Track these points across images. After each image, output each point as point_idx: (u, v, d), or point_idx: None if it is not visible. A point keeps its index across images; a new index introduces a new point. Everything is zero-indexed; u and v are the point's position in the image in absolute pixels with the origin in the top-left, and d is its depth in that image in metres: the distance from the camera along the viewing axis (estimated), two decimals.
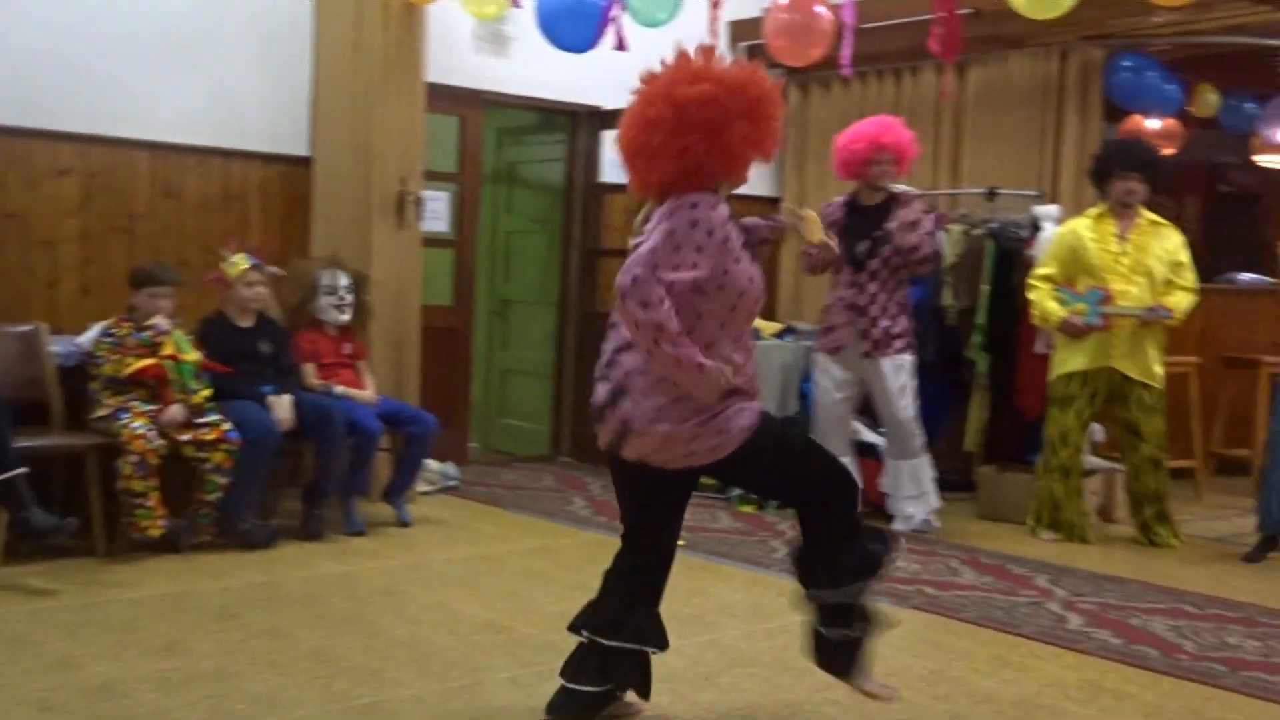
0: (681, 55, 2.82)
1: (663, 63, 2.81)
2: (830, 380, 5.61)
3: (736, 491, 6.03)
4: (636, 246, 2.82)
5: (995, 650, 3.85)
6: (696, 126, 2.74)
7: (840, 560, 2.96)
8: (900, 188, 5.68)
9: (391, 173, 5.73)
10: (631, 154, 2.87)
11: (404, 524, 5.31)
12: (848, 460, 5.71)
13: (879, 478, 5.71)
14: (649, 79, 2.82)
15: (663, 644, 3.10)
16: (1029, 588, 4.63)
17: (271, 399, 4.92)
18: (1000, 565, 4.97)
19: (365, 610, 4.05)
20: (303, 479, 5.21)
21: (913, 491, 5.57)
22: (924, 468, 5.58)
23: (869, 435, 5.91)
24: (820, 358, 5.66)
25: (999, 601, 4.41)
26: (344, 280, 5.43)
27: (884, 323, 5.43)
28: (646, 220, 2.88)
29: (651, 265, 2.72)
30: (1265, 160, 8.15)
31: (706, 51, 2.81)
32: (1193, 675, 3.63)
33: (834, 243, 5.28)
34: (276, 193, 5.98)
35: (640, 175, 2.87)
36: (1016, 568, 4.93)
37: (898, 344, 5.44)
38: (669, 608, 4.21)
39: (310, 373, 5.28)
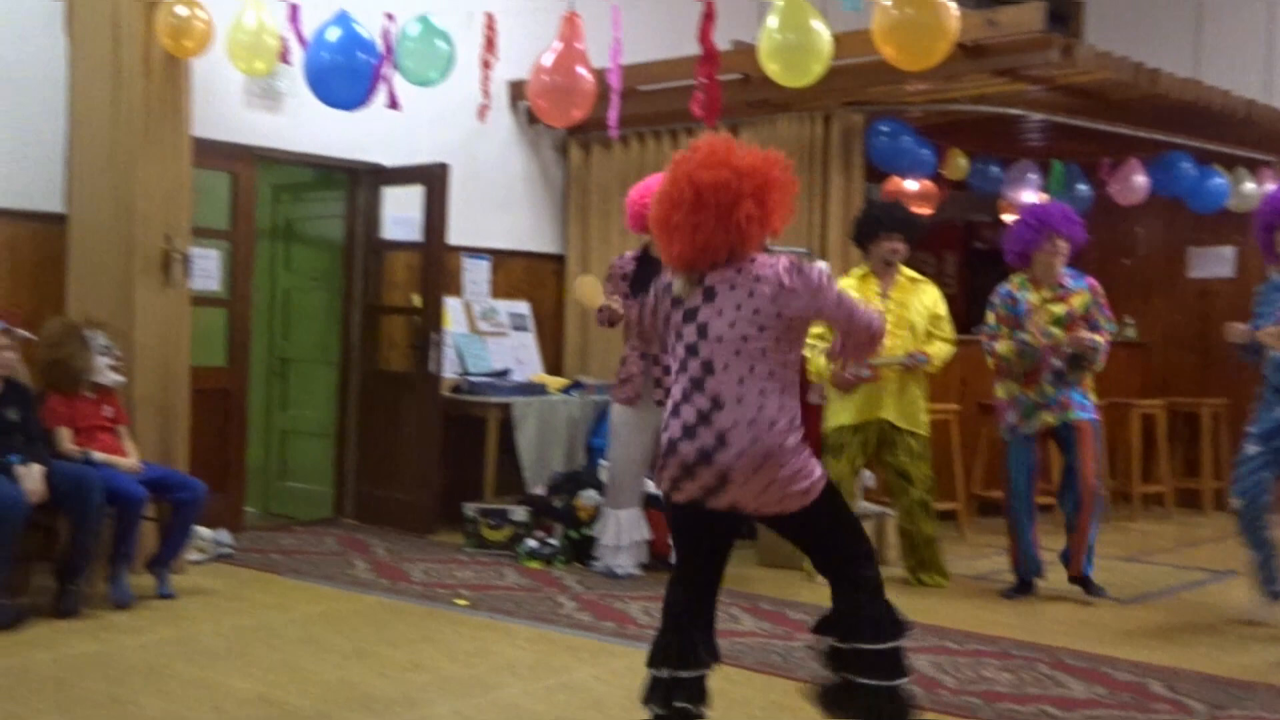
0: (707, 140, 3.18)
1: (691, 146, 3.17)
2: (629, 430, 5.68)
3: (527, 546, 6.01)
4: (691, 310, 3.17)
5: (772, 696, 3.94)
6: (709, 207, 3.07)
7: (882, 613, 3.23)
8: None
9: (155, 230, 5.51)
10: (658, 228, 3.23)
11: (166, 596, 5.04)
12: (636, 511, 5.78)
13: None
14: (678, 161, 3.16)
15: (717, 656, 3.28)
16: (806, 633, 4.76)
17: (19, 469, 4.62)
18: (779, 611, 5.10)
19: (120, 691, 3.82)
20: (56, 553, 4.90)
21: (629, 540, 5.68)
22: (638, 517, 5.72)
23: (652, 487, 5.99)
24: (617, 409, 5.73)
25: (777, 647, 4.52)
26: (105, 340, 5.18)
27: None
28: (697, 285, 3.19)
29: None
30: (1012, 219, 8.75)
31: (727, 139, 3.18)
32: (953, 709, 3.80)
33: (615, 303, 5.39)
34: (26, 251, 5.66)
35: (665, 247, 3.22)
36: (794, 613, 5.07)
37: None
38: (450, 668, 4.16)
39: (65, 438, 4.99)
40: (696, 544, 3.25)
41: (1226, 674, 4.28)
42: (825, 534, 3.25)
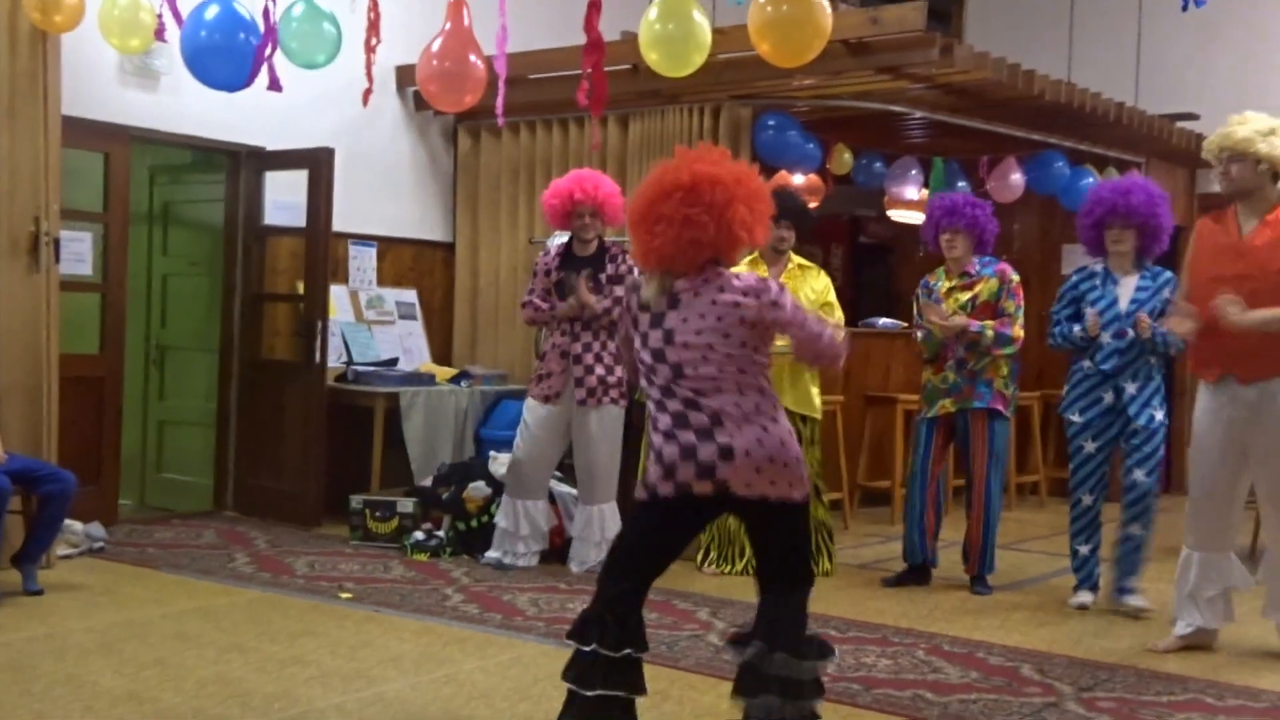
0: (703, 146, 3.31)
1: (683, 149, 3.24)
2: (544, 427, 5.65)
3: (414, 539, 5.94)
4: (658, 314, 3.17)
5: (657, 685, 3.94)
6: (704, 199, 3.10)
7: (804, 635, 3.26)
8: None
9: (22, 211, 5.30)
10: (639, 221, 3.18)
11: (32, 592, 4.86)
12: (542, 502, 5.76)
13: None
14: (677, 154, 3.21)
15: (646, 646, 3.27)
16: (692, 621, 4.81)
17: None
18: (666, 601, 5.12)
19: None
20: None
21: (598, 537, 5.68)
22: (613, 512, 5.71)
23: (555, 484, 5.98)
24: (533, 403, 5.70)
25: (664, 636, 4.55)
26: None
27: (599, 371, 5.57)
28: (665, 293, 3.17)
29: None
30: (896, 215, 8.94)
31: (721, 150, 3.27)
32: (832, 696, 3.84)
33: (598, 305, 5.45)
34: None
35: (643, 242, 3.17)
36: (681, 602, 5.10)
37: (613, 393, 5.60)
38: (331, 663, 4.09)
39: None
40: (663, 537, 3.25)
41: (1093, 657, 4.44)
42: (788, 539, 3.27)
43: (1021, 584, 5.71)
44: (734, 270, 3.22)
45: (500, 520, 5.79)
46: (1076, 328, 5.16)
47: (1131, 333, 5.06)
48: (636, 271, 3.31)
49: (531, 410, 5.72)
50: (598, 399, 5.58)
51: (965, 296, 5.49)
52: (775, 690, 3.17)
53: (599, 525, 5.69)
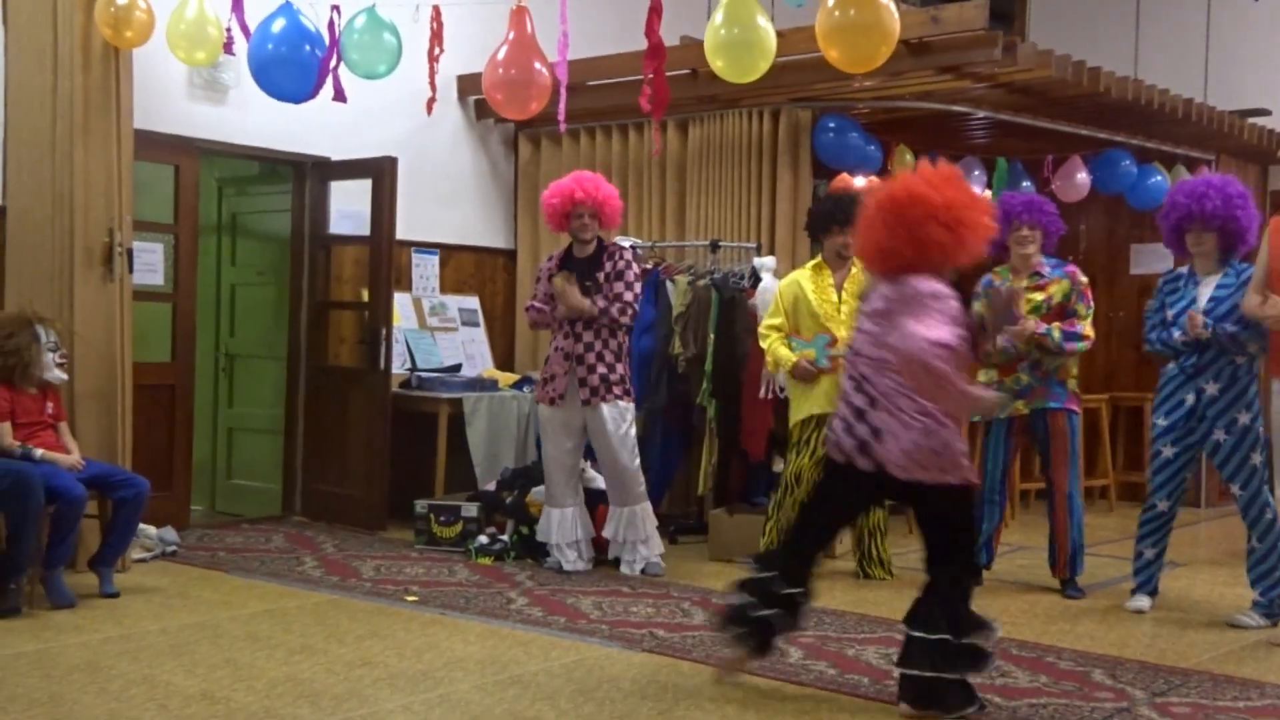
0: (924, 165, 3.73)
1: (924, 164, 3.74)
2: (555, 430, 5.67)
3: (478, 542, 5.99)
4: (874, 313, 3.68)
5: (722, 688, 3.96)
6: (902, 215, 3.55)
7: (966, 612, 3.67)
8: (625, 241, 5.86)
9: (96, 223, 5.43)
10: (862, 219, 3.77)
11: (109, 595, 4.97)
12: (573, 509, 5.77)
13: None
14: (909, 175, 3.69)
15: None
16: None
17: None
18: (729, 605, 5.11)
19: (62, 689, 3.76)
20: None
21: (635, 537, 5.68)
22: (646, 513, 5.71)
23: (600, 482, 5.99)
24: (542, 409, 5.73)
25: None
26: (53, 335, 5.11)
27: (600, 369, 5.57)
28: (870, 286, 3.78)
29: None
30: None
31: (951, 170, 3.67)
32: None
33: (590, 306, 5.43)
34: None
35: (857, 238, 3.87)
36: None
37: (616, 390, 5.59)
38: (398, 664, 4.13)
39: (5, 434, 4.91)
40: (837, 502, 3.90)
41: (1166, 661, 4.36)
42: (949, 523, 3.69)
43: (1092, 588, 5.61)
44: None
45: (542, 526, 5.81)
46: (1176, 332, 4.99)
47: (1181, 333, 4.93)
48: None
49: (542, 415, 5.74)
50: (600, 396, 5.57)
51: (1039, 298, 5.40)
52: (934, 661, 3.58)
53: (630, 525, 5.68)
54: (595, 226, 5.67)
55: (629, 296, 5.60)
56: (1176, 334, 4.97)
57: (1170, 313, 5.03)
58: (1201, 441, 4.99)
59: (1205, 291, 4.98)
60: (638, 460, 5.71)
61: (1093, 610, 5.18)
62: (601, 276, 5.59)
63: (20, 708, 3.58)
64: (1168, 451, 5.06)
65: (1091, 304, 5.46)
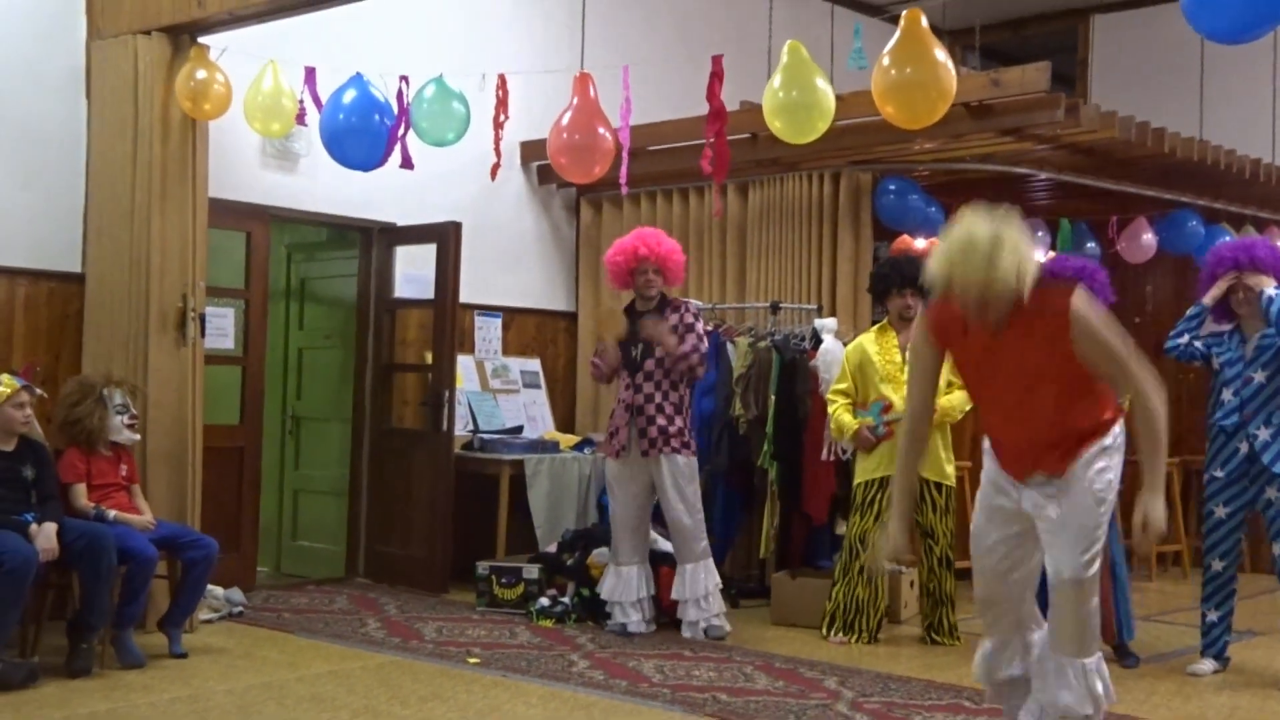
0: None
1: None
2: (620, 484, 5.68)
3: (540, 604, 5.98)
4: None
5: None
6: None
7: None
8: (692, 301, 5.92)
9: (171, 288, 5.57)
10: None
11: (177, 655, 5.03)
12: (637, 567, 5.75)
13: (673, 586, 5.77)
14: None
15: None
16: (819, 690, 4.73)
17: (33, 527, 4.64)
18: (792, 669, 5.06)
19: None
20: (69, 611, 4.89)
21: (696, 593, 5.65)
22: (708, 571, 5.67)
23: (664, 544, 5.97)
24: (609, 464, 5.75)
25: (791, 705, 4.48)
26: (127, 398, 5.23)
27: (660, 421, 5.59)
28: None
29: None
30: None
31: None
32: None
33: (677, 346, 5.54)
34: (43, 310, 5.73)
35: None
36: (808, 671, 5.03)
37: (675, 443, 5.60)
38: None
39: (80, 495, 5.01)
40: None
41: None
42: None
43: (1166, 656, 5.47)
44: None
45: (605, 585, 5.78)
46: (1227, 395, 4.96)
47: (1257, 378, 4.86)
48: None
49: (608, 470, 5.77)
50: (658, 449, 5.57)
51: None
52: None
53: (697, 583, 5.64)
54: (659, 282, 5.72)
55: (704, 348, 5.65)
56: (1228, 397, 4.92)
57: (1217, 362, 4.97)
58: (1255, 499, 4.91)
59: (1251, 345, 4.92)
60: (700, 515, 5.68)
61: (1168, 679, 5.05)
62: (665, 330, 5.62)
63: None
64: (1220, 512, 5.02)
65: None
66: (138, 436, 5.28)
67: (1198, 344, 5.07)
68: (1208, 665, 5.07)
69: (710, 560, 5.71)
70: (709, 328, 6.69)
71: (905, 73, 4.72)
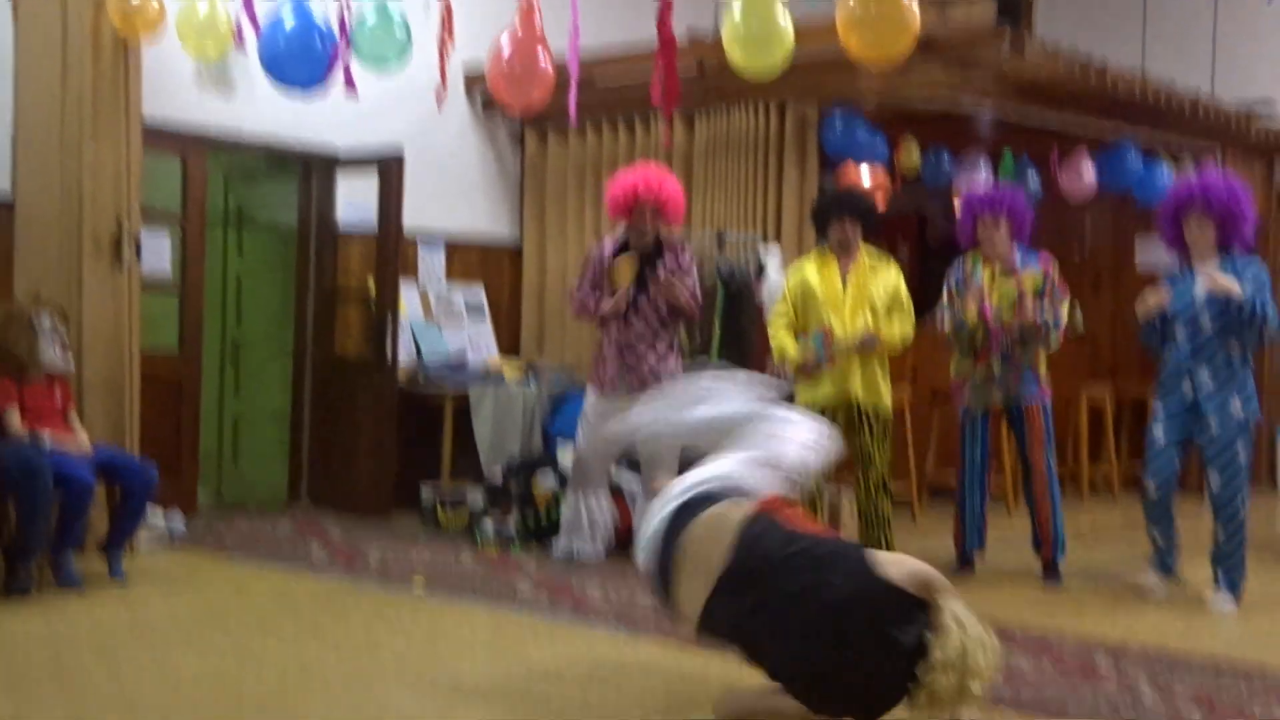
0: None
1: None
2: (598, 417, 5.69)
3: (484, 530, 6.01)
4: None
5: (727, 669, 3.98)
6: None
7: None
8: (676, 235, 5.90)
9: (104, 212, 5.46)
10: None
11: (117, 578, 5.01)
12: (603, 496, 5.80)
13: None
14: None
15: None
16: None
17: None
18: None
19: (72, 670, 3.79)
20: (5, 534, 4.84)
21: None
22: None
23: (623, 480, 6.01)
24: (590, 395, 5.76)
25: None
26: (51, 322, 5.13)
27: (651, 360, 5.60)
28: None
29: None
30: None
31: None
32: None
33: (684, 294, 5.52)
34: None
35: None
36: None
37: (665, 383, 5.59)
38: (405, 649, 4.16)
39: (14, 420, 4.94)
40: None
41: (1170, 648, 4.38)
42: None
43: (1095, 576, 5.63)
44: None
45: (565, 512, 5.84)
46: (1181, 333, 5.07)
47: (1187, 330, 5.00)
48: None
49: (589, 400, 5.77)
50: (648, 387, 5.56)
51: (1010, 288, 5.43)
52: None
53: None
54: (658, 223, 5.68)
55: (696, 292, 5.68)
56: (1179, 334, 5.03)
57: (1172, 308, 5.07)
58: (1193, 434, 5.06)
59: (1203, 287, 5.01)
60: (677, 453, 5.69)
61: (1096, 597, 5.21)
62: (661, 271, 5.61)
63: (30, 686, 3.61)
64: (1160, 437, 5.14)
65: (1066, 293, 5.49)
66: (70, 364, 5.18)
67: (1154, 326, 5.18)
68: (1150, 578, 5.23)
69: None
70: None
71: (870, 8, 4.66)
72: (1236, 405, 4.99)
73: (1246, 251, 5.12)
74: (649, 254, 5.67)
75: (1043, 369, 5.52)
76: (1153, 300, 5.14)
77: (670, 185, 5.67)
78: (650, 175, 5.68)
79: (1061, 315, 5.43)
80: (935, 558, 5.92)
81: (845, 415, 5.65)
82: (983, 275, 5.50)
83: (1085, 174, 7.85)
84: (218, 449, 7.41)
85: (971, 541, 5.64)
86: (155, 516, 5.70)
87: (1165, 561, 5.23)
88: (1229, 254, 5.06)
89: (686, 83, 6.16)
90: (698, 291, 5.72)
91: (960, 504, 5.67)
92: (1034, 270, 5.47)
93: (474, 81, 7.43)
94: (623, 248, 5.76)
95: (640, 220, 5.64)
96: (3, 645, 4.07)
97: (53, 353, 5.08)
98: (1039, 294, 5.42)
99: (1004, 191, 5.65)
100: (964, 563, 5.65)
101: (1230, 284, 4.89)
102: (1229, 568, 5.05)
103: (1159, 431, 5.15)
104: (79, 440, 5.08)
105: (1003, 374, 5.45)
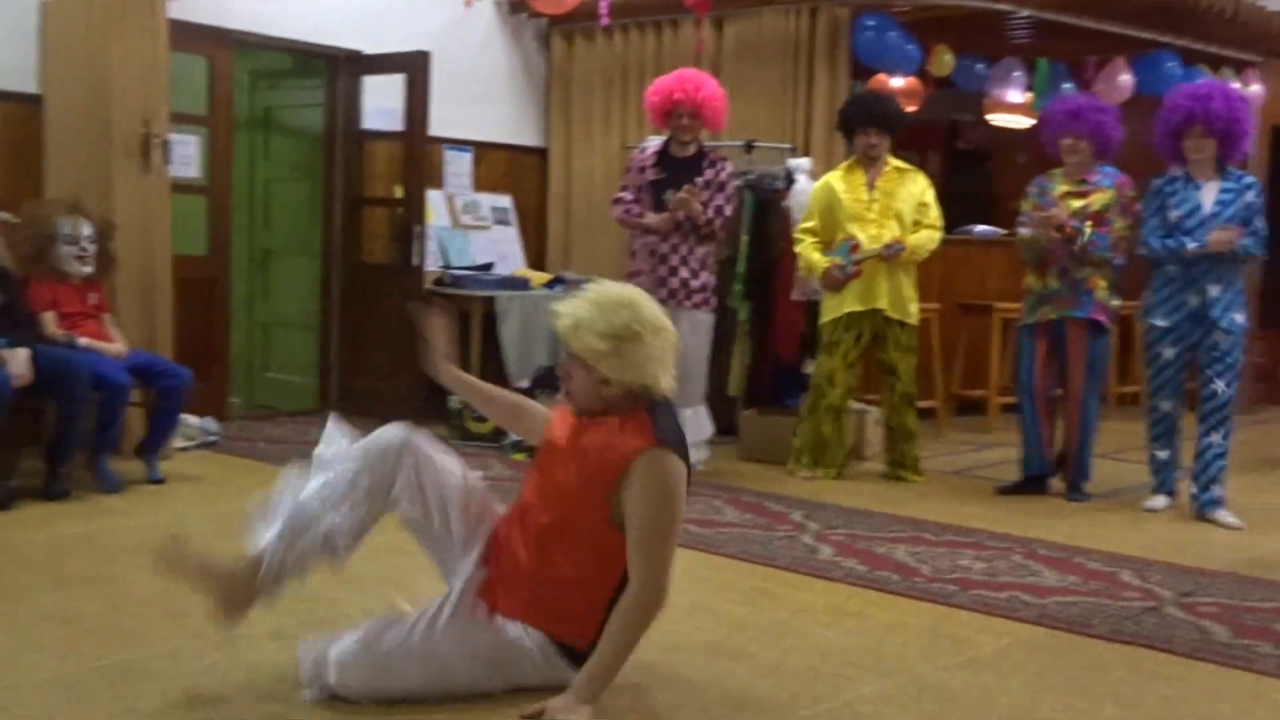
0: None
1: None
2: None
3: (512, 438, 6.06)
4: None
5: (753, 582, 4.04)
6: None
7: None
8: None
9: (133, 113, 5.42)
10: None
11: (155, 481, 5.09)
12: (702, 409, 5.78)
13: None
14: None
15: None
16: (785, 523, 4.87)
17: (4, 352, 4.61)
18: (759, 503, 5.19)
19: (112, 569, 3.88)
20: (45, 437, 4.91)
21: (691, 439, 5.71)
22: (703, 415, 5.70)
23: None
24: None
25: (757, 537, 4.62)
26: (86, 229, 5.13)
27: (683, 273, 5.55)
28: None
29: None
30: (996, 119, 8.72)
31: None
32: (927, 595, 3.91)
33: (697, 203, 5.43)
34: (2, 132, 5.57)
35: None
36: (774, 505, 5.16)
37: (696, 298, 5.57)
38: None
39: (50, 323, 4.98)
40: None
41: (1193, 563, 4.41)
42: None
43: (1120, 492, 5.66)
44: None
45: None
46: (1190, 244, 4.95)
47: (1197, 245, 4.92)
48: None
49: None
50: (679, 301, 5.52)
51: (1078, 204, 5.31)
52: None
53: (692, 428, 5.72)
54: (696, 128, 5.58)
55: (728, 210, 5.58)
56: (1190, 245, 4.94)
57: (1175, 214, 4.99)
58: (1199, 343, 5.03)
59: (1208, 196, 4.96)
60: (702, 369, 5.67)
61: (1121, 513, 5.24)
62: (701, 183, 5.51)
63: (76, 587, 3.70)
64: (1168, 353, 5.10)
65: (1131, 219, 5.32)
66: (88, 269, 5.14)
67: (1179, 240, 5.03)
68: (1160, 501, 5.25)
69: (705, 405, 5.73)
70: None
71: None
72: (1240, 313, 4.99)
73: (1242, 162, 5.05)
74: (689, 165, 5.58)
75: (1101, 291, 5.32)
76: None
77: (709, 88, 5.55)
78: (688, 78, 5.56)
79: (1110, 236, 5.27)
80: (965, 470, 6.00)
81: (871, 327, 5.64)
82: (1057, 188, 5.39)
83: (1121, 82, 7.69)
84: (248, 354, 7.46)
85: (1030, 465, 5.50)
86: (189, 420, 5.77)
87: (1168, 482, 5.25)
88: (1228, 169, 5.01)
89: None
90: (727, 210, 5.58)
91: (1019, 424, 5.57)
92: (1106, 189, 5.35)
93: None
94: (664, 154, 5.67)
95: (679, 128, 5.55)
96: (47, 545, 4.15)
97: (70, 259, 5.07)
98: (1105, 212, 5.30)
99: (1090, 107, 5.41)
100: (1028, 482, 5.52)
101: (1229, 237, 4.87)
102: (1222, 480, 5.06)
103: (1165, 349, 5.10)
104: (115, 344, 5.12)
105: (1057, 290, 5.36)
